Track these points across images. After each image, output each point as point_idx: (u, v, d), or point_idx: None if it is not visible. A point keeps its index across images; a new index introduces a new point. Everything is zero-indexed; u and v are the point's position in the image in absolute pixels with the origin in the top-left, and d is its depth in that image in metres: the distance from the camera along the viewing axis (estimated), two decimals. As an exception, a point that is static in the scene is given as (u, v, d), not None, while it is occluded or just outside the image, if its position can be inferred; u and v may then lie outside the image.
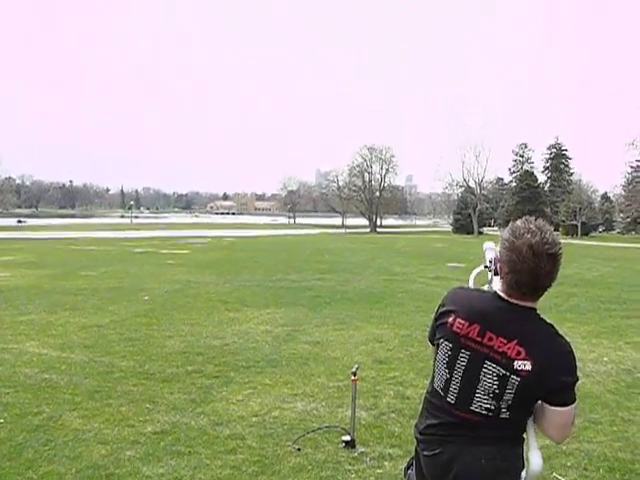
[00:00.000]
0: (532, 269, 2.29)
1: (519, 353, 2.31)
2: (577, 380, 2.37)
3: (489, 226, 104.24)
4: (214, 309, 13.68)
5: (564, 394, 2.36)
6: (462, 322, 2.43)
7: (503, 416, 2.39)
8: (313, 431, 6.12)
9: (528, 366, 2.30)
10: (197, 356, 9.19)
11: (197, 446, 5.74)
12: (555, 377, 2.31)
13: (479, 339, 2.39)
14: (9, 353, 9.32)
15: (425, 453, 2.56)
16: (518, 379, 2.31)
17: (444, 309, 2.55)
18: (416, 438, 2.65)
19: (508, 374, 2.32)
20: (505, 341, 2.34)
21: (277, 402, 7.08)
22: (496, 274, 2.64)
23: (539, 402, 2.41)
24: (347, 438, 5.79)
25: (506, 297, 2.41)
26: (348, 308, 14.05)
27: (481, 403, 2.40)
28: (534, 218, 2.40)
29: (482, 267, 3.11)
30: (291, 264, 26.98)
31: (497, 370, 2.35)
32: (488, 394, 2.38)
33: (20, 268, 24.09)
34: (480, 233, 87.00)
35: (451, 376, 2.47)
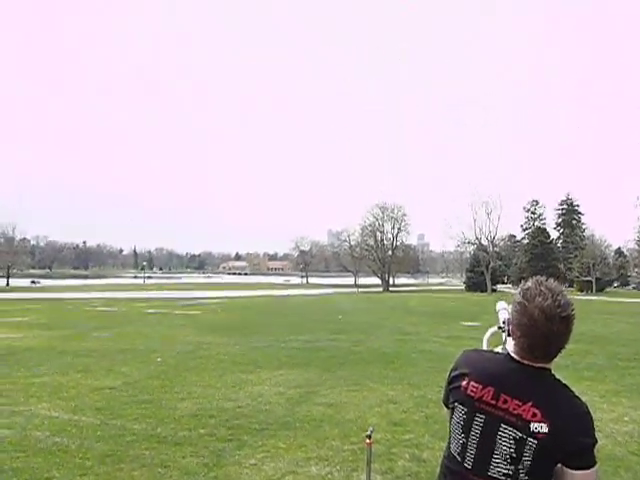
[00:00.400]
0: (545, 333, 2.26)
1: (535, 415, 2.26)
2: (596, 442, 2.29)
3: (502, 283, 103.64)
4: (226, 370, 13.57)
5: (584, 457, 2.27)
6: (476, 385, 2.39)
7: None
8: None
9: (545, 428, 2.24)
10: (210, 419, 9.07)
11: (209, 512, 5.63)
12: (573, 439, 2.24)
13: (493, 402, 2.34)
14: (21, 416, 9.25)
15: None
16: (535, 442, 2.24)
17: (457, 372, 2.51)
18: None
19: (525, 437, 2.26)
20: (520, 403, 2.29)
21: (291, 466, 6.94)
22: (510, 335, 2.56)
23: (559, 466, 2.31)
24: (363, 504, 5.66)
25: (519, 359, 2.37)
26: (362, 369, 13.91)
27: (499, 468, 2.31)
28: (545, 278, 2.37)
29: (496, 328, 3.07)
30: (304, 324, 26.87)
31: (513, 433, 2.29)
32: (505, 459, 2.30)
33: (33, 329, 24.12)
34: (494, 291, 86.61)
35: (467, 440, 2.40)
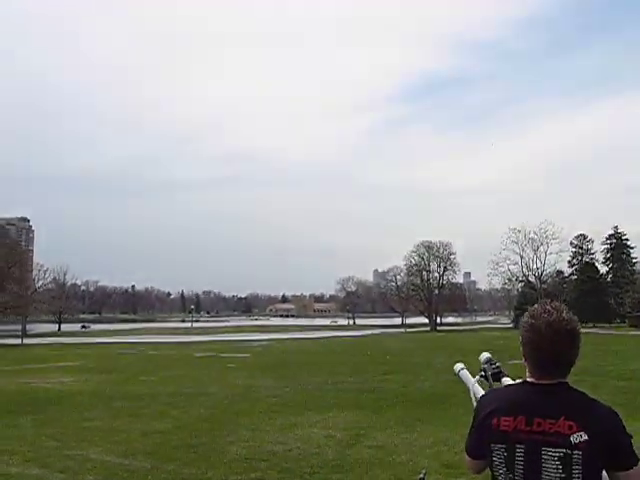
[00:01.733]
0: (553, 346, 2.37)
1: (571, 427, 2.30)
2: (632, 437, 2.34)
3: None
4: (276, 413, 13.52)
5: (626, 455, 2.32)
6: (507, 419, 2.40)
7: None
8: None
9: (584, 437, 2.27)
10: (260, 462, 9.01)
11: None
12: (612, 439, 2.30)
13: (528, 428, 2.36)
14: (73, 460, 9.32)
15: None
16: (579, 453, 2.26)
17: (484, 413, 2.50)
18: None
19: (569, 452, 2.28)
20: (554, 421, 2.32)
21: (343, 510, 6.83)
22: (497, 379, 2.93)
23: (605, 474, 2.33)
24: None
25: (536, 380, 2.45)
26: (411, 410, 13.73)
27: None
28: (550, 300, 2.50)
29: (478, 377, 3.14)
30: (352, 366, 26.70)
31: (556, 452, 2.30)
32: None
33: (84, 373, 24.45)
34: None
35: (514, 476, 2.38)
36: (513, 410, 2.41)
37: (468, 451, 2.63)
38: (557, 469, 2.29)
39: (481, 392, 2.97)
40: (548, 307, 2.44)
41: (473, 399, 3.03)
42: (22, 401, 16.17)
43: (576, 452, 2.27)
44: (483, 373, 3.03)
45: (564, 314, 2.40)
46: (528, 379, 2.49)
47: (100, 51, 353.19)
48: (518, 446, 2.36)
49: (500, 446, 2.41)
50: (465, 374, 3.23)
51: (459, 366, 3.31)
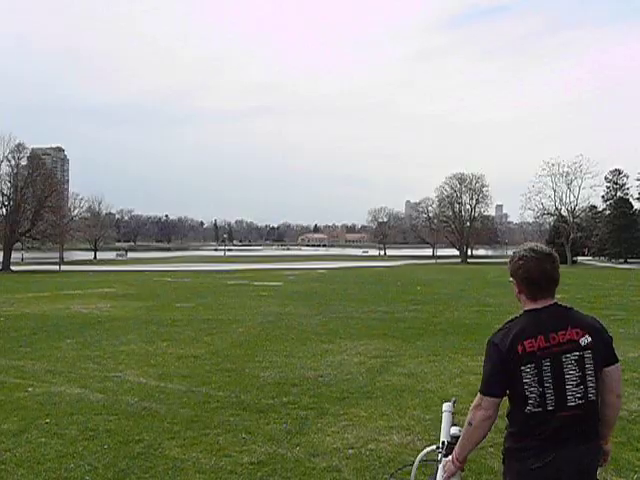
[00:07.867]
0: (538, 263, 2.95)
1: (578, 333, 2.89)
2: (612, 338, 3.02)
3: (583, 255, 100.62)
4: (307, 340, 13.75)
5: (612, 352, 2.98)
6: (529, 341, 2.86)
7: (592, 398, 2.88)
8: (410, 465, 6.01)
9: (589, 338, 2.89)
10: (292, 387, 9.22)
11: (293, 478, 5.73)
12: (604, 337, 2.96)
13: (547, 344, 2.86)
14: (111, 381, 9.65)
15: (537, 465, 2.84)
16: (589, 352, 2.88)
17: (505, 348, 2.88)
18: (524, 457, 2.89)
19: (582, 353, 2.87)
20: (564, 332, 2.88)
21: (373, 434, 7.00)
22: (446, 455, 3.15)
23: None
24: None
25: (534, 306, 2.97)
26: (441, 339, 13.84)
27: (573, 395, 2.85)
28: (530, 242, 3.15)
29: (433, 447, 3.39)
30: (382, 295, 26.89)
31: (573, 356, 2.86)
32: (576, 383, 2.85)
33: (120, 300, 24.96)
34: (574, 262, 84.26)
35: (543, 388, 2.84)
36: (532, 332, 2.88)
37: (496, 392, 2.97)
38: (576, 370, 2.86)
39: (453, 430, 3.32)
40: (528, 243, 3.11)
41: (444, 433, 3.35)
42: (62, 325, 16.63)
43: (587, 353, 2.87)
44: (441, 449, 3.29)
45: (541, 244, 3.05)
46: (526, 308, 3.00)
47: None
48: (544, 361, 2.85)
49: (530, 366, 2.84)
50: (446, 418, 3.46)
51: (447, 406, 3.55)
